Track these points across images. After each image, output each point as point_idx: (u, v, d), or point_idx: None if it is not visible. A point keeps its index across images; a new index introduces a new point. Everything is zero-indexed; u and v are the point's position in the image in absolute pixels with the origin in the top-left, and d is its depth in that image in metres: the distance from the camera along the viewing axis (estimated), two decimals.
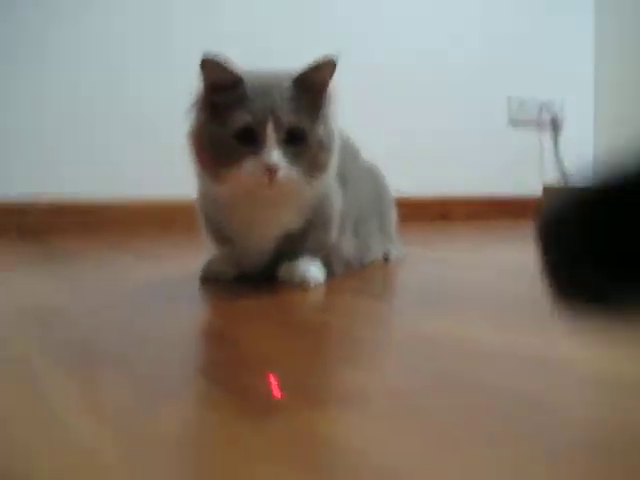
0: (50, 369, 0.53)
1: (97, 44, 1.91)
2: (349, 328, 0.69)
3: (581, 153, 2.97)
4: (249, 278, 0.96)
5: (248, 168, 0.82)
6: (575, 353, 0.57)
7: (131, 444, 0.37)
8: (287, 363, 0.55)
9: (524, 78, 2.78)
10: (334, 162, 0.90)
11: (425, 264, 1.25)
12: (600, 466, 0.34)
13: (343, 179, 1.01)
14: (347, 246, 1.05)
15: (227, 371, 0.52)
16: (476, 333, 0.65)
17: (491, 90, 2.70)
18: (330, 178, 0.92)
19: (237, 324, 0.72)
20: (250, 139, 0.82)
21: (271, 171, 0.81)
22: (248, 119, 0.82)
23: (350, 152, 1.10)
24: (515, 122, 2.79)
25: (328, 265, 0.99)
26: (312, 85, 0.85)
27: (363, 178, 1.14)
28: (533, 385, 0.48)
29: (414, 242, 1.58)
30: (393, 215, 1.26)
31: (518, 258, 1.33)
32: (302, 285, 0.91)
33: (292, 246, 0.93)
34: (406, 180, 2.31)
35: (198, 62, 0.82)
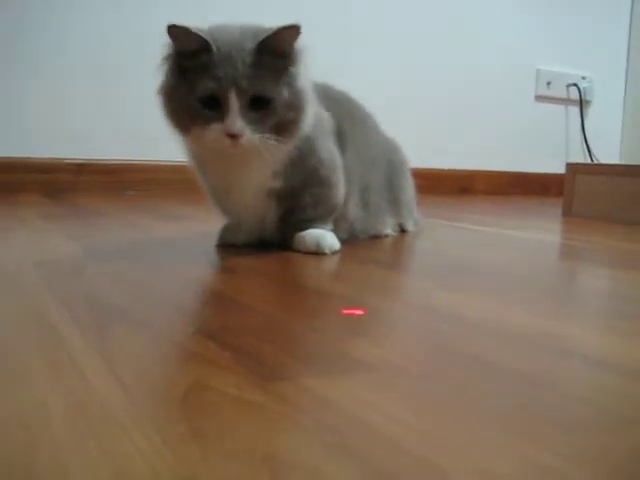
0: (66, 324, 0.55)
1: (119, 12, 1.91)
2: (359, 297, 0.70)
3: (608, 132, 2.92)
4: (264, 244, 0.98)
5: (212, 133, 0.83)
6: (582, 336, 0.58)
7: (141, 399, 0.39)
8: (296, 330, 0.56)
9: (554, 54, 2.73)
10: (306, 120, 0.89)
11: (443, 237, 1.25)
12: (593, 447, 0.35)
13: (341, 139, 1.01)
14: (352, 212, 1.06)
15: (237, 337, 0.53)
16: (485, 310, 0.65)
17: (519, 66, 2.65)
18: (311, 138, 0.92)
19: (249, 290, 0.73)
20: (214, 105, 0.83)
21: (233, 137, 0.82)
22: (212, 87, 0.82)
23: (351, 114, 1.09)
24: (542, 98, 2.75)
25: (335, 230, 1.00)
26: (276, 49, 0.84)
27: (371, 146, 1.12)
28: (535, 364, 0.48)
29: (434, 215, 1.57)
30: (409, 187, 1.24)
31: (536, 237, 1.32)
32: (317, 253, 0.93)
33: (291, 211, 0.95)
34: (429, 152, 2.29)
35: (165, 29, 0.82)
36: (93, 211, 1.46)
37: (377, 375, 0.45)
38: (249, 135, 0.83)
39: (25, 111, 1.83)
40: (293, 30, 0.84)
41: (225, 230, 1.00)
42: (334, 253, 0.95)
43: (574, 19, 2.76)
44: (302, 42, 0.86)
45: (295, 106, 0.86)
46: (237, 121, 0.82)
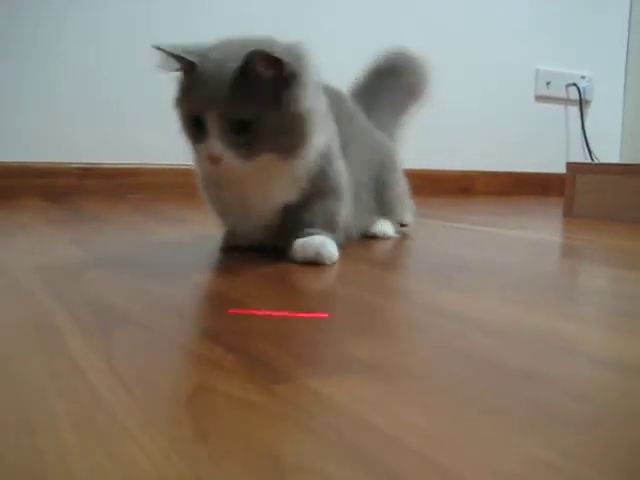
0: (69, 328, 0.55)
1: (113, 19, 1.91)
2: (360, 298, 0.70)
3: (608, 132, 2.92)
4: (268, 247, 0.98)
5: (198, 154, 0.86)
6: (585, 334, 0.58)
7: (146, 402, 0.39)
8: (298, 331, 0.56)
9: (553, 54, 2.73)
10: (310, 145, 0.87)
11: (444, 238, 1.25)
12: (599, 445, 0.35)
13: (343, 148, 0.99)
14: (349, 215, 1.02)
15: (240, 339, 0.53)
16: (488, 309, 0.65)
17: (519, 66, 2.65)
18: (328, 150, 0.91)
19: (252, 292, 0.73)
20: (199, 125, 0.83)
21: (213, 160, 0.82)
22: (191, 107, 0.83)
23: (348, 115, 1.07)
24: (542, 98, 2.75)
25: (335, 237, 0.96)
26: (258, 73, 0.81)
27: (365, 146, 1.11)
28: (539, 363, 0.49)
29: (434, 216, 1.58)
30: (400, 183, 1.21)
31: (538, 237, 1.32)
32: (317, 261, 0.88)
33: (297, 220, 0.92)
34: (428, 153, 2.30)
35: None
36: (95, 215, 1.46)
37: (381, 375, 0.45)
38: (230, 159, 0.82)
39: (26, 115, 1.84)
40: (261, 57, 0.79)
41: (229, 233, 1.00)
42: (333, 263, 0.90)
43: (573, 19, 2.77)
44: (306, 63, 0.83)
45: (292, 131, 0.84)
46: (214, 144, 0.81)
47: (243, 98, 0.81)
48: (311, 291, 0.77)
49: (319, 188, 0.92)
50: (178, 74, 0.87)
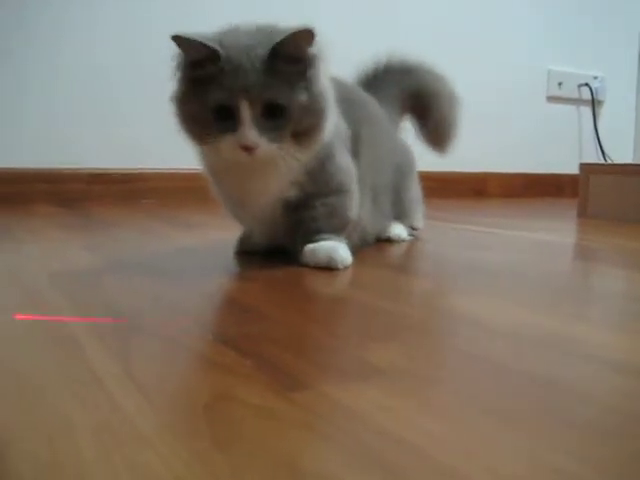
0: (85, 336, 0.55)
1: (113, 20, 1.92)
2: (375, 302, 0.69)
3: (621, 132, 2.90)
4: (282, 251, 0.97)
5: (226, 145, 0.81)
6: (596, 337, 0.57)
7: (164, 411, 0.39)
8: (314, 337, 0.56)
9: (565, 54, 2.72)
10: (327, 124, 0.85)
11: (458, 240, 1.24)
12: (603, 448, 0.35)
13: (357, 144, 0.97)
14: (365, 219, 1.02)
15: (257, 345, 0.53)
16: (502, 312, 0.65)
17: (530, 66, 2.64)
18: (330, 144, 0.89)
19: (267, 298, 0.73)
20: (227, 115, 0.80)
21: (248, 149, 0.80)
22: (222, 97, 0.79)
23: (368, 116, 1.05)
24: (554, 99, 2.74)
25: (348, 238, 0.94)
26: (290, 54, 0.80)
27: (384, 149, 1.09)
28: (547, 366, 0.48)
29: (448, 219, 1.57)
30: (415, 186, 1.22)
31: (552, 239, 1.31)
32: (329, 267, 0.87)
33: (303, 220, 0.90)
34: (440, 156, 2.28)
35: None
36: (108, 220, 1.47)
37: (397, 381, 0.45)
38: (265, 146, 0.80)
39: (34, 121, 1.84)
40: (306, 34, 0.79)
41: (243, 238, 1.00)
42: (346, 268, 0.89)
43: (585, 19, 2.75)
44: (320, 43, 0.82)
45: (314, 111, 0.82)
46: (251, 132, 0.79)
47: (276, 82, 0.79)
48: (325, 296, 0.76)
49: (319, 184, 0.90)
50: (177, 70, 0.83)
